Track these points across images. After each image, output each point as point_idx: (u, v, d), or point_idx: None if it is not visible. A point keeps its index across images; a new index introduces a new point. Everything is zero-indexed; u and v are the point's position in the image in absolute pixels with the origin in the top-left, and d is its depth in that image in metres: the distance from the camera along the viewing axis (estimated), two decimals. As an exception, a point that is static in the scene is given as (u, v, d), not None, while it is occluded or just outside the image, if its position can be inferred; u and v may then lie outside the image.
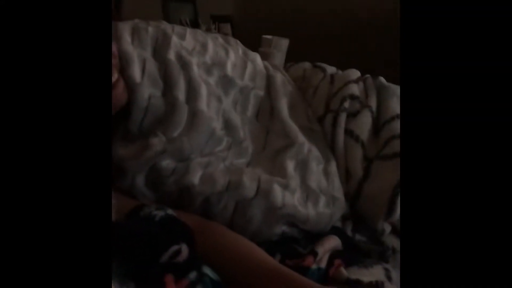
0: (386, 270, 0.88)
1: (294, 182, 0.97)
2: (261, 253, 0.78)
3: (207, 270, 0.67)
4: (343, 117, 1.09)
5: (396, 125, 1.08)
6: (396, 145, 1.04)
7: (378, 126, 1.10)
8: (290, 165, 0.99)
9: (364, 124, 1.09)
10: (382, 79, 1.19)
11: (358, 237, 1.04)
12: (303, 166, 1.01)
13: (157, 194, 0.90)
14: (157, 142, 0.88)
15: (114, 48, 0.89)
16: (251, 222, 0.90)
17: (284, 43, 1.80)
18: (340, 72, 1.26)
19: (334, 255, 0.88)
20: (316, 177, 1.00)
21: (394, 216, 1.02)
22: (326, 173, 1.03)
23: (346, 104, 1.10)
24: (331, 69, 1.26)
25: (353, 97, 1.11)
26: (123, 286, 0.62)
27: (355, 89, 1.14)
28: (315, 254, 0.85)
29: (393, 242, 1.04)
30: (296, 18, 2.40)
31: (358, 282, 0.81)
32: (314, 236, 0.96)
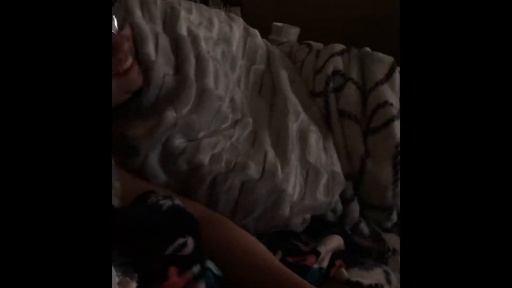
0: (386, 273, 0.89)
1: (294, 158, 0.97)
2: (262, 251, 0.78)
3: (210, 265, 0.67)
4: (332, 99, 1.09)
5: (381, 91, 1.07)
6: (382, 114, 1.04)
7: (364, 94, 1.10)
8: (291, 140, 0.99)
9: (350, 97, 1.09)
10: (367, 48, 1.18)
11: (361, 227, 1.04)
12: (302, 142, 1.01)
13: (168, 174, 0.90)
14: (170, 116, 0.88)
15: (128, 31, 0.88)
16: (256, 204, 0.91)
17: (295, 31, 1.78)
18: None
19: (336, 255, 0.88)
20: (315, 152, 1.00)
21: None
22: (325, 148, 1.04)
23: (331, 84, 1.10)
24: (317, 45, 1.24)
25: (335, 73, 1.11)
26: (126, 276, 0.62)
27: (339, 62, 1.13)
28: (317, 253, 0.86)
29: (394, 243, 1.04)
30: (308, 5, 2.38)
31: (358, 284, 0.82)
32: (315, 231, 0.97)
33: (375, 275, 0.88)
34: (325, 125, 1.08)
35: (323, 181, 0.98)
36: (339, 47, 1.18)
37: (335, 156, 1.04)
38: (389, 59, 1.14)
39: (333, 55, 1.14)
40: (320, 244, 0.88)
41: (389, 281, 0.88)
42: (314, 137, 1.03)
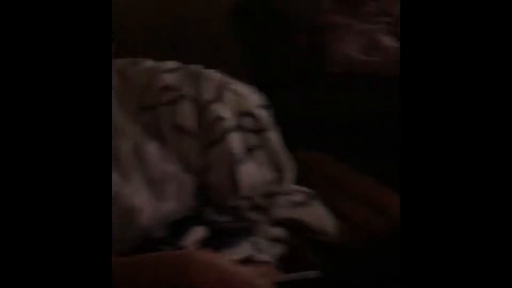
0: (253, 242, 0.97)
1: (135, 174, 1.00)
2: None
3: None
4: (165, 112, 1.11)
5: (215, 107, 1.11)
6: (217, 128, 1.09)
7: (199, 109, 1.13)
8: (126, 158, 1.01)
9: (185, 111, 1.11)
10: (197, 66, 1.21)
11: (223, 218, 1.07)
12: (139, 156, 1.03)
13: None
14: None
15: None
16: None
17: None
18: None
19: (203, 244, 0.93)
20: (156, 163, 1.02)
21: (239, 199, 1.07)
22: (164, 157, 1.05)
23: (163, 98, 1.12)
24: (148, 62, 1.25)
25: (167, 88, 1.13)
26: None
27: (169, 78, 1.15)
28: (182, 248, 0.90)
29: (257, 215, 1.09)
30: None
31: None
32: (178, 230, 0.99)
33: (244, 249, 0.95)
34: (161, 136, 1.10)
35: (171, 189, 1.00)
36: (169, 64, 1.20)
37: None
38: (218, 76, 1.19)
39: (163, 71, 1.17)
40: (182, 239, 0.92)
41: (257, 249, 0.97)
42: (152, 149, 1.04)
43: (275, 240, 1.08)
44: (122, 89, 1.13)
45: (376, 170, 1.51)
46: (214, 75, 1.18)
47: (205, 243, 0.95)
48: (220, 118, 1.09)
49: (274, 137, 1.18)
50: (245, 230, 1.05)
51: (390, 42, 2.09)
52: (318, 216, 1.18)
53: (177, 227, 1.00)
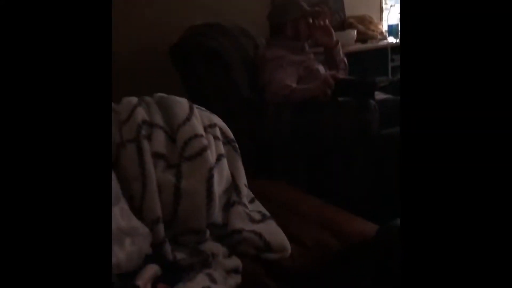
0: (209, 275, 0.98)
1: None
2: None
3: None
4: (146, 144, 1.15)
5: (188, 127, 1.19)
6: (196, 144, 1.16)
7: (172, 134, 1.19)
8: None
9: (160, 140, 1.17)
10: (161, 94, 1.29)
11: (179, 256, 1.08)
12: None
13: None
14: None
15: None
16: None
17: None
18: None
19: (156, 281, 0.92)
20: (114, 220, 1.00)
21: (213, 209, 1.13)
22: (122, 212, 1.05)
23: (143, 131, 1.16)
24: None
25: (144, 122, 1.18)
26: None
27: (142, 112, 1.20)
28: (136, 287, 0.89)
29: (212, 247, 1.12)
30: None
31: None
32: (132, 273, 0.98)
33: (199, 281, 0.95)
34: (119, 185, 1.11)
35: (127, 243, 1.01)
36: (133, 99, 1.26)
37: (132, 217, 1.06)
38: (184, 100, 1.27)
39: (135, 106, 1.21)
40: (137, 278, 0.92)
41: (213, 281, 0.97)
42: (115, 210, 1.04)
43: (232, 271, 1.09)
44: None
45: (325, 191, 1.55)
46: (179, 99, 1.26)
47: (160, 279, 0.94)
48: (197, 135, 1.16)
49: (236, 148, 1.28)
50: (201, 263, 1.06)
51: (322, 70, 2.20)
52: (275, 233, 1.20)
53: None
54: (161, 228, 1.08)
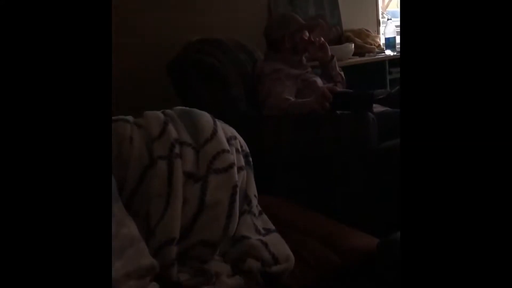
0: None
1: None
2: None
3: None
4: (177, 162, 1.14)
5: (216, 141, 1.19)
6: (223, 159, 1.16)
7: (199, 147, 1.18)
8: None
9: (190, 158, 1.16)
10: (180, 107, 1.28)
11: (183, 277, 1.07)
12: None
13: None
14: None
15: None
16: None
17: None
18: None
19: None
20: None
21: (233, 224, 1.13)
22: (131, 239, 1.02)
23: (175, 149, 1.15)
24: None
25: (176, 140, 1.17)
26: None
27: (173, 130, 1.19)
28: None
29: (216, 267, 1.10)
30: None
31: None
32: None
33: None
34: (167, 188, 1.12)
35: (130, 252, 0.98)
36: (159, 115, 1.24)
37: (142, 244, 1.05)
38: (206, 113, 1.26)
39: (165, 123, 1.20)
40: None
41: None
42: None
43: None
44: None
45: (324, 205, 1.54)
46: (202, 112, 1.26)
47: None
48: (224, 151, 1.17)
49: (250, 161, 1.30)
50: (203, 283, 1.05)
51: (320, 83, 2.20)
52: (280, 243, 1.21)
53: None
54: (173, 250, 1.06)
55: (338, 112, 1.87)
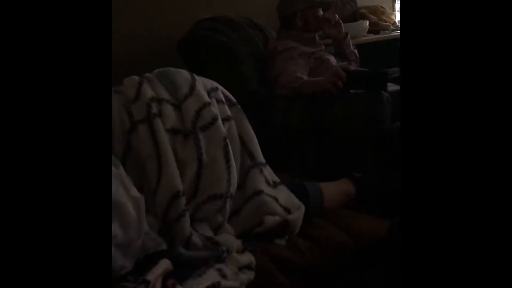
0: (219, 270, 0.98)
1: None
2: None
3: None
4: (157, 122, 1.14)
5: (197, 96, 1.18)
6: (206, 114, 1.17)
7: (180, 103, 1.19)
8: None
9: (171, 116, 1.16)
10: (159, 69, 1.28)
11: (194, 240, 1.07)
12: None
13: None
14: None
15: None
16: None
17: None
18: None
19: (167, 277, 0.91)
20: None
21: (233, 175, 1.15)
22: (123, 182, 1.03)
23: (153, 109, 1.15)
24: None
25: (152, 99, 1.17)
26: None
27: (149, 88, 1.19)
28: (146, 282, 0.87)
29: (227, 241, 1.11)
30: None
31: None
32: (146, 266, 0.97)
33: (210, 276, 0.95)
34: (154, 149, 1.12)
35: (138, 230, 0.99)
36: (135, 77, 1.24)
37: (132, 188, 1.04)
38: (183, 70, 1.27)
39: (140, 84, 1.20)
40: (148, 273, 0.90)
41: (224, 276, 0.96)
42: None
43: (245, 267, 1.07)
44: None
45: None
46: (181, 71, 1.26)
47: (171, 275, 0.92)
48: (206, 105, 1.17)
49: (241, 110, 1.29)
50: (217, 258, 1.05)
51: (333, 61, 2.17)
52: (288, 196, 1.24)
53: (143, 261, 0.98)
54: (181, 201, 1.08)
55: (351, 91, 1.84)
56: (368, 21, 3.00)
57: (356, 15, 3.13)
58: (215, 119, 1.18)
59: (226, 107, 1.26)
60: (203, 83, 1.25)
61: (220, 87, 1.30)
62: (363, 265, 1.24)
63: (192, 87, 1.21)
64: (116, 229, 0.92)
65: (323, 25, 2.19)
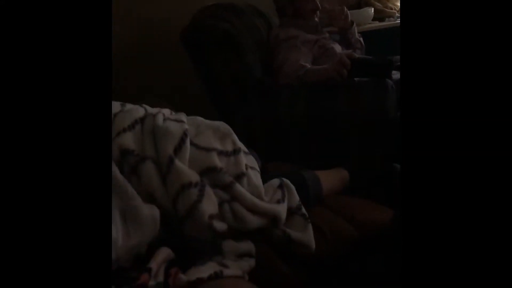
0: (219, 261, 0.98)
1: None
2: None
3: None
4: (134, 181, 1.03)
5: (176, 173, 1.04)
6: (185, 199, 1.02)
7: (161, 173, 1.05)
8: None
9: (150, 177, 1.04)
10: (159, 117, 1.14)
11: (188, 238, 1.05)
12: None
13: None
14: None
15: None
16: None
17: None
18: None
19: (169, 265, 0.92)
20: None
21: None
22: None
23: (125, 167, 1.04)
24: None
25: (125, 153, 1.05)
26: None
27: (127, 140, 1.06)
28: (149, 270, 0.88)
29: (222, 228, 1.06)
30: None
31: (199, 280, 0.88)
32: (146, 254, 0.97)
33: (211, 265, 0.95)
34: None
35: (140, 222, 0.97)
36: (129, 118, 1.11)
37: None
38: (180, 129, 1.11)
39: (119, 132, 1.06)
40: (150, 261, 0.91)
41: (224, 265, 0.97)
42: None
43: (245, 254, 1.07)
44: None
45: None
46: (173, 128, 1.10)
47: (173, 263, 0.93)
48: (184, 187, 1.03)
49: (242, 190, 1.11)
50: (211, 247, 1.04)
51: (338, 49, 2.15)
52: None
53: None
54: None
55: (356, 79, 1.82)
56: (373, 8, 2.97)
57: (361, 2, 3.10)
58: (194, 207, 1.03)
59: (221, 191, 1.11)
60: (197, 157, 1.11)
61: (219, 165, 1.12)
62: (365, 254, 1.24)
63: (177, 152, 1.07)
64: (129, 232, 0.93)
65: (316, 10, 2.17)
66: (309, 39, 2.08)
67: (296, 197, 1.20)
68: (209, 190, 1.06)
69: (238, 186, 1.10)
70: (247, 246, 1.09)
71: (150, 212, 0.99)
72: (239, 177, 1.13)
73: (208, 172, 1.09)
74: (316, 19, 2.19)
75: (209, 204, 1.04)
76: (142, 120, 1.13)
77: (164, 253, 0.94)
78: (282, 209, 1.14)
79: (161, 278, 0.89)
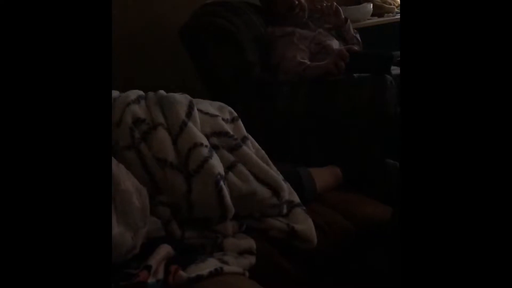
0: (220, 258, 0.99)
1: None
2: None
3: None
4: (144, 148, 1.10)
5: (188, 133, 1.12)
6: (196, 156, 1.09)
7: (173, 137, 1.13)
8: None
9: (163, 142, 1.11)
10: (161, 91, 1.23)
11: (188, 234, 1.08)
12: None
13: None
14: None
15: None
16: None
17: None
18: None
19: (169, 262, 0.92)
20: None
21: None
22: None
23: (136, 133, 1.11)
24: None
25: (136, 121, 1.12)
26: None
27: (137, 110, 1.15)
28: (148, 267, 0.88)
29: (221, 228, 1.10)
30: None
31: (199, 277, 0.88)
32: (146, 251, 0.98)
33: (211, 262, 0.95)
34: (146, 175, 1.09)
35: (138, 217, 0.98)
36: (133, 94, 1.20)
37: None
38: (186, 99, 1.20)
39: (128, 103, 1.15)
40: (150, 258, 0.91)
41: (225, 262, 0.97)
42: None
43: (245, 251, 1.07)
44: None
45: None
46: (179, 98, 1.19)
47: (173, 261, 0.94)
48: (197, 145, 1.10)
49: (249, 151, 1.19)
50: (211, 245, 1.06)
51: (336, 44, 2.14)
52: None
53: (144, 247, 0.98)
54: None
55: (355, 75, 1.82)
56: (372, 4, 2.96)
57: (360, -2, 3.09)
58: (204, 162, 1.10)
59: (228, 153, 1.17)
60: (206, 121, 1.19)
61: (226, 129, 1.21)
62: (364, 250, 1.24)
63: (188, 118, 1.15)
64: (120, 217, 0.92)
65: (292, 7, 2.14)
66: (305, 35, 2.07)
67: (295, 193, 1.21)
68: (216, 155, 1.13)
69: (245, 148, 1.18)
70: (248, 243, 1.09)
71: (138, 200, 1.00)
72: (243, 140, 1.22)
73: (216, 135, 1.17)
74: (304, 15, 2.18)
75: (218, 164, 1.11)
76: (145, 96, 1.21)
77: (164, 251, 0.95)
78: (285, 185, 1.19)
79: (161, 275, 0.89)
